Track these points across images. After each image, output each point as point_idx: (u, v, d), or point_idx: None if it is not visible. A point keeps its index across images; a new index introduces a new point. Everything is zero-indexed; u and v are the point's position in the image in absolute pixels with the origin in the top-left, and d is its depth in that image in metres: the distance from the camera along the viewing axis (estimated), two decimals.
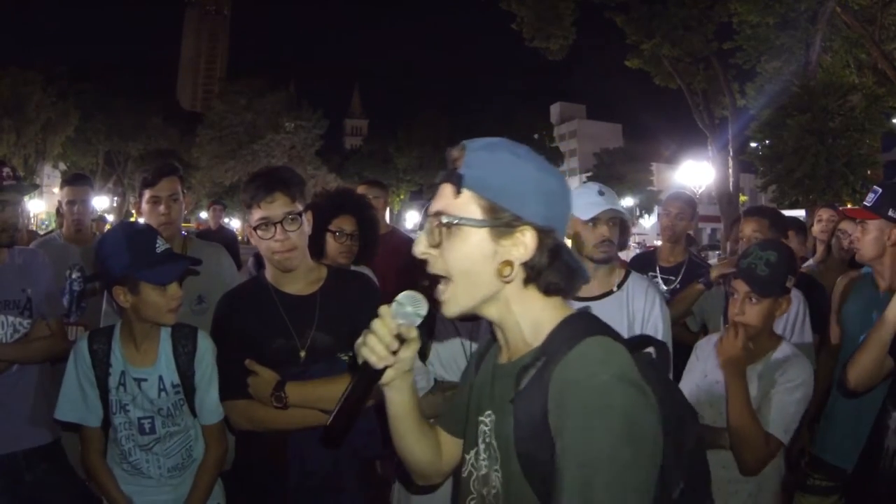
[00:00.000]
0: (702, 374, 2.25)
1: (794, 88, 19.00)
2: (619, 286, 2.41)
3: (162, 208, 2.71)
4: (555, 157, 46.96)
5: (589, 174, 46.30)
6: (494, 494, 1.12)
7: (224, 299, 2.19)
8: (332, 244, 2.93)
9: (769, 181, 20.23)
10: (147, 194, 2.74)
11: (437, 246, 1.11)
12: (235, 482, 2.19)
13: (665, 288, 3.51)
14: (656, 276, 3.58)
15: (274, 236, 1.97)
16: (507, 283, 1.10)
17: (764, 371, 2.12)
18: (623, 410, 0.94)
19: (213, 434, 2.14)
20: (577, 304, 1.21)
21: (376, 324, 1.16)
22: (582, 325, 1.09)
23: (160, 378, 2.07)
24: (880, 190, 2.50)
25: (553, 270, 1.10)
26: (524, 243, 1.08)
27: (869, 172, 18.41)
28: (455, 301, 1.12)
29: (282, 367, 2.00)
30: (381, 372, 1.17)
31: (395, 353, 1.17)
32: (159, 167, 2.80)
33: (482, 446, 1.17)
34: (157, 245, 2.01)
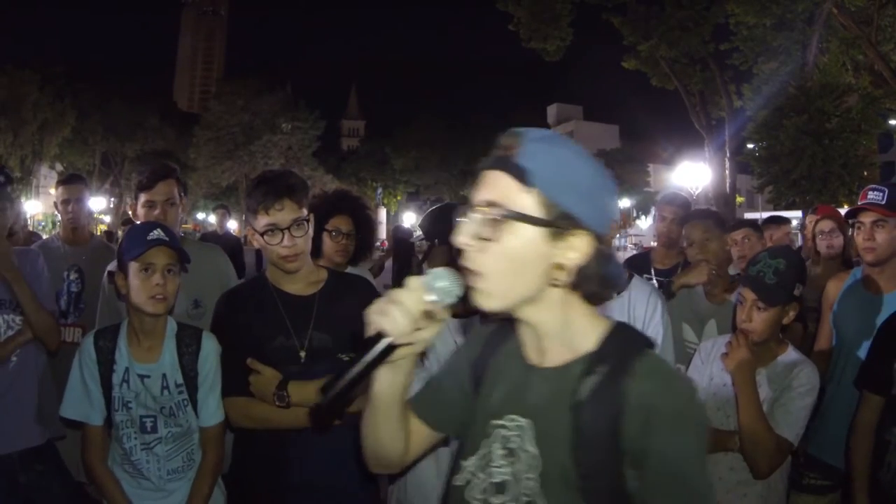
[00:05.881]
0: (708, 377, 2.24)
1: (790, 90, 19.08)
2: (622, 291, 2.40)
3: (157, 213, 2.64)
4: None
5: None
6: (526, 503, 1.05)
7: (224, 297, 2.19)
8: (328, 243, 2.93)
9: (766, 182, 20.30)
10: (143, 198, 2.68)
11: (484, 238, 1.01)
12: (233, 483, 2.18)
13: None
14: (651, 279, 3.57)
15: (281, 242, 1.98)
16: (556, 287, 1.03)
17: (772, 375, 2.12)
18: (702, 431, 1.05)
19: (212, 437, 2.12)
20: None
21: (403, 294, 1.03)
22: (631, 335, 1.09)
23: (163, 376, 2.07)
24: (886, 189, 2.40)
25: (599, 278, 1.04)
26: (579, 248, 1.01)
27: (865, 173, 18.50)
28: (491, 295, 1.03)
29: (282, 366, 1.99)
30: (394, 348, 1.04)
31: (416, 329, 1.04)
32: (155, 170, 2.73)
33: (500, 452, 1.09)
34: (152, 234, 2.04)
